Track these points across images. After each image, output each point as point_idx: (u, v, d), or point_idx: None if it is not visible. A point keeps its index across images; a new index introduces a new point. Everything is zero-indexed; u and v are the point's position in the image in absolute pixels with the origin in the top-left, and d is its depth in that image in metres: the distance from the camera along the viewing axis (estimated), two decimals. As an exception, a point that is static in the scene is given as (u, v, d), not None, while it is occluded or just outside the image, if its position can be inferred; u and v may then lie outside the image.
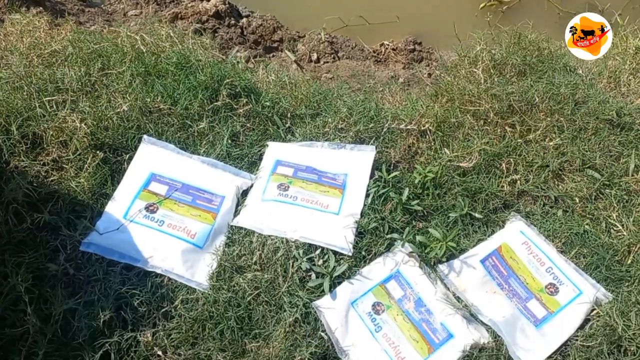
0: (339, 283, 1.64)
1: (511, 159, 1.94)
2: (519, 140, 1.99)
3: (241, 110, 2.01)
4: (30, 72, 1.98)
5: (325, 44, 3.06)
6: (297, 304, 1.57)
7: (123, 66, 2.06)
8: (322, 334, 1.55)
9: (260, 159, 1.95)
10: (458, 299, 1.65)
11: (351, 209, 1.77)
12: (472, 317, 1.61)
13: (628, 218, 1.80)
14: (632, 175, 1.92)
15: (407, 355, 1.54)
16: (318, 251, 1.68)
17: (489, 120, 2.05)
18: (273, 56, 3.11)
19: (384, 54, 3.16)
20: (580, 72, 2.35)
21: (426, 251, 1.70)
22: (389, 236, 1.73)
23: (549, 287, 1.66)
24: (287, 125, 2.04)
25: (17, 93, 1.86)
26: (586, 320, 1.61)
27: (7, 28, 2.28)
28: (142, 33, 2.25)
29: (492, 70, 2.25)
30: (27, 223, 1.60)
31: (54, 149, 1.77)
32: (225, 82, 2.02)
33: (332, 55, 3.07)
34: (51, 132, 1.78)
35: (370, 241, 1.72)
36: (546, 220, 1.82)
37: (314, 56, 3.05)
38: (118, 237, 1.63)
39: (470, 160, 1.90)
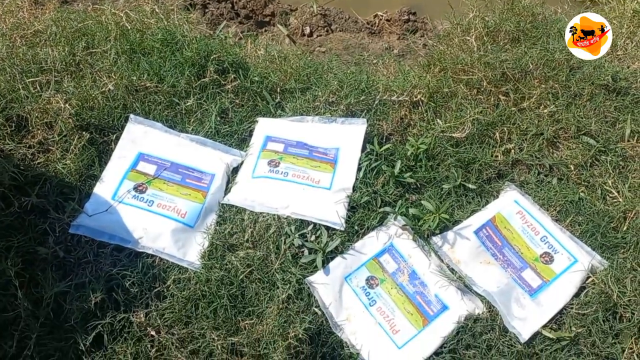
0: (332, 258, 1.63)
1: (505, 128, 1.91)
2: (512, 109, 1.95)
3: (229, 86, 1.97)
4: (13, 54, 1.93)
5: (318, 16, 3.00)
6: (290, 281, 1.56)
7: (108, 44, 2.02)
8: (316, 309, 1.55)
9: (250, 135, 1.92)
10: (452, 270, 1.64)
11: (343, 183, 1.75)
12: (466, 288, 1.60)
13: (624, 184, 1.78)
14: (628, 141, 1.90)
15: (402, 328, 1.53)
16: (310, 227, 1.66)
17: (482, 89, 2.02)
18: (265, 31, 3.05)
19: (378, 26, 3.09)
20: (565, 41, 2.30)
21: (419, 224, 1.68)
22: (381, 210, 1.71)
23: (543, 256, 1.65)
24: (276, 101, 2.01)
25: (-1, 75, 1.83)
26: (581, 288, 1.60)
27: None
28: (127, 10, 2.20)
29: (485, 38, 2.21)
30: (14, 207, 1.58)
31: (39, 131, 1.74)
32: (212, 57, 1.98)
33: (325, 28, 3.01)
34: (36, 114, 1.75)
35: (362, 215, 1.71)
36: (541, 189, 1.80)
37: (307, 30, 2.99)
38: (107, 218, 1.62)
39: (463, 130, 1.87)
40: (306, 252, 1.63)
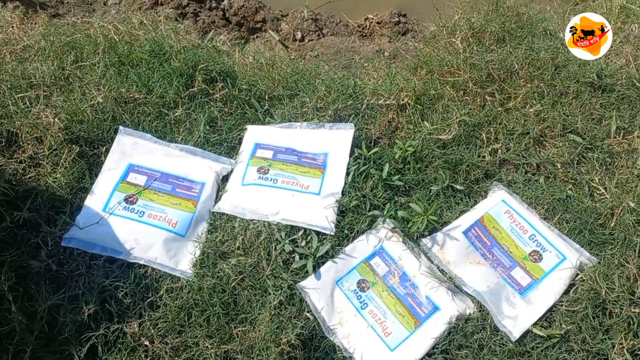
0: (323, 263, 1.64)
1: (491, 128, 1.93)
2: (498, 109, 1.97)
3: (218, 95, 1.99)
4: (3, 69, 1.95)
5: (309, 21, 3.02)
6: (282, 286, 1.58)
7: (96, 57, 2.04)
8: (308, 314, 1.56)
9: (240, 143, 1.93)
10: (442, 271, 1.65)
11: (332, 188, 1.76)
12: (456, 288, 1.62)
13: (610, 181, 1.80)
14: (614, 137, 1.91)
15: (394, 330, 1.55)
16: (300, 232, 1.68)
17: (468, 91, 2.03)
18: (257, 37, 3.07)
19: (368, 28, 3.11)
20: (561, 35, 2.31)
21: (408, 226, 1.70)
22: (370, 213, 1.72)
23: (532, 254, 1.66)
24: (265, 108, 2.02)
25: (-12, 91, 1.84)
26: (571, 285, 1.61)
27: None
28: (115, 22, 2.22)
29: (470, 39, 2.22)
30: (6, 222, 1.59)
31: (29, 146, 1.76)
32: (199, 67, 1.99)
33: (317, 33, 3.03)
34: (26, 129, 1.76)
35: (352, 219, 1.72)
36: (528, 188, 1.82)
37: (298, 35, 3.01)
38: (99, 230, 1.63)
39: (449, 132, 1.88)
40: (297, 257, 1.64)
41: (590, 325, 1.53)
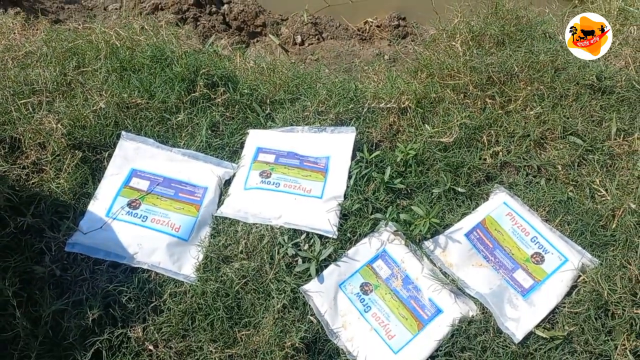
0: (326, 266, 1.65)
1: (492, 131, 1.93)
2: (499, 112, 1.98)
3: (219, 100, 1.99)
4: (5, 76, 1.96)
5: (309, 25, 3.03)
6: (285, 290, 1.58)
7: (98, 63, 2.05)
8: (312, 318, 1.56)
9: (242, 147, 1.94)
10: (445, 274, 1.66)
11: (334, 191, 1.77)
12: (459, 291, 1.62)
13: (611, 182, 1.80)
14: (615, 139, 1.92)
15: (397, 333, 1.55)
16: (303, 236, 1.68)
17: (468, 94, 2.04)
18: (257, 41, 3.08)
19: (368, 32, 3.12)
20: (560, 37, 2.33)
21: (411, 229, 1.70)
22: (372, 216, 1.73)
23: (534, 256, 1.67)
24: (266, 112, 2.03)
25: (-9, 98, 1.85)
26: (573, 287, 1.62)
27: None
28: (117, 28, 2.23)
29: (470, 43, 2.23)
30: (10, 227, 1.59)
31: (32, 152, 1.76)
32: (201, 72, 2.00)
33: (317, 37, 3.04)
34: (29, 135, 1.77)
35: (354, 223, 1.73)
36: (529, 190, 1.82)
37: (298, 38, 3.02)
38: (102, 235, 1.64)
39: (451, 135, 1.89)
40: (300, 261, 1.65)
41: (593, 327, 1.53)
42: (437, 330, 1.55)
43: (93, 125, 1.84)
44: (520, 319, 1.56)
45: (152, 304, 1.56)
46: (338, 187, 1.78)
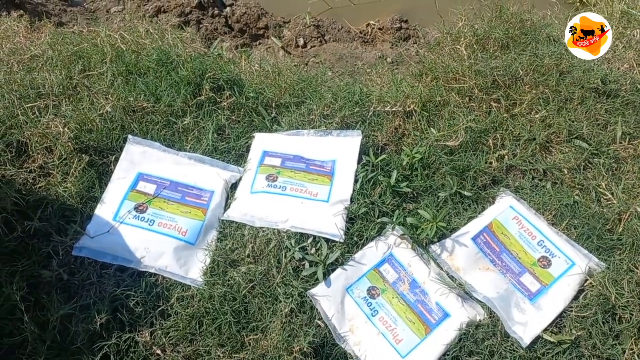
0: (333, 270, 1.65)
1: (498, 135, 1.94)
2: (505, 115, 1.98)
3: (225, 104, 2.00)
4: (12, 80, 1.96)
5: (311, 28, 3.04)
6: (293, 294, 1.58)
7: (104, 67, 2.05)
8: (319, 322, 1.56)
9: (248, 151, 1.94)
10: (452, 278, 1.66)
11: (341, 195, 1.77)
12: (467, 295, 1.62)
13: (617, 186, 1.81)
14: (620, 143, 1.92)
15: (405, 337, 1.55)
16: (310, 240, 1.68)
17: (474, 97, 2.04)
18: (260, 44, 3.09)
19: (370, 35, 3.13)
20: (565, 41, 2.33)
21: (418, 233, 1.70)
22: (379, 220, 1.73)
23: (541, 260, 1.67)
24: (272, 116, 2.03)
25: (-2, 102, 1.85)
26: (580, 291, 1.62)
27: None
28: (122, 32, 2.23)
29: (475, 46, 2.24)
30: (18, 232, 1.59)
31: (39, 156, 1.77)
32: (207, 76, 2.00)
33: (319, 39, 3.05)
34: (35, 139, 1.77)
35: (361, 226, 1.73)
36: (536, 194, 1.83)
37: (301, 41, 3.03)
38: (109, 239, 1.64)
39: (456, 138, 1.89)
40: (307, 265, 1.65)
41: (601, 331, 1.53)
42: (445, 335, 1.55)
43: (100, 129, 1.84)
44: (527, 324, 1.56)
45: (160, 309, 1.56)
46: (345, 190, 1.78)
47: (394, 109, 2.01)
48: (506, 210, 1.77)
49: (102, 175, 1.80)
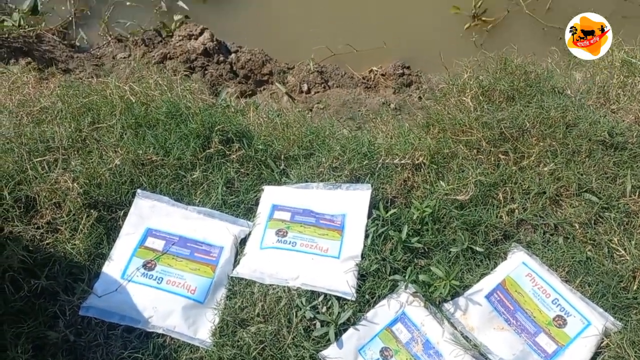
0: (345, 330, 1.62)
1: (507, 188, 1.93)
2: (513, 168, 1.98)
3: (234, 156, 2.00)
4: (20, 132, 1.96)
5: (315, 73, 3.07)
6: (304, 356, 1.55)
7: (113, 119, 2.06)
8: (331, 384, 1.53)
9: (257, 204, 1.93)
10: (466, 338, 1.62)
11: (351, 251, 1.75)
12: (482, 356, 1.59)
13: (630, 241, 1.79)
14: (630, 196, 1.92)
15: (419, 400, 1.51)
16: (321, 298, 1.66)
17: (481, 149, 2.05)
18: (264, 89, 3.12)
19: (373, 80, 3.17)
20: (569, 92, 2.36)
21: (430, 290, 1.68)
22: (391, 277, 1.71)
23: (556, 319, 1.64)
24: (281, 168, 2.03)
25: (7, 156, 1.85)
26: (597, 353, 1.59)
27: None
28: (131, 82, 2.25)
29: (480, 97, 2.26)
30: (24, 291, 1.57)
31: (47, 211, 1.75)
32: (216, 128, 2.01)
33: (323, 85, 3.08)
34: (44, 194, 1.76)
35: (373, 284, 1.70)
36: (548, 249, 1.81)
37: (305, 87, 3.06)
38: (117, 298, 1.61)
39: (466, 192, 1.89)
40: (318, 324, 1.62)
41: (620, 394, 1.50)
42: (460, 398, 1.51)
43: (108, 183, 1.84)
44: (544, 386, 1.52)
45: (168, 371, 1.52)
46: (355, 246, 1.77)
47: (402, 162, 2.01)
48: (519, 266, 1.75)
49: (110, 230, 1.78)
